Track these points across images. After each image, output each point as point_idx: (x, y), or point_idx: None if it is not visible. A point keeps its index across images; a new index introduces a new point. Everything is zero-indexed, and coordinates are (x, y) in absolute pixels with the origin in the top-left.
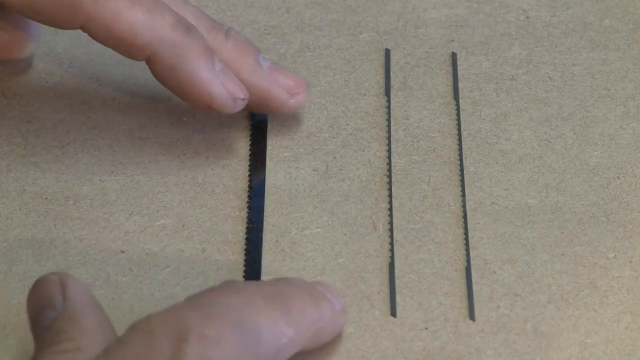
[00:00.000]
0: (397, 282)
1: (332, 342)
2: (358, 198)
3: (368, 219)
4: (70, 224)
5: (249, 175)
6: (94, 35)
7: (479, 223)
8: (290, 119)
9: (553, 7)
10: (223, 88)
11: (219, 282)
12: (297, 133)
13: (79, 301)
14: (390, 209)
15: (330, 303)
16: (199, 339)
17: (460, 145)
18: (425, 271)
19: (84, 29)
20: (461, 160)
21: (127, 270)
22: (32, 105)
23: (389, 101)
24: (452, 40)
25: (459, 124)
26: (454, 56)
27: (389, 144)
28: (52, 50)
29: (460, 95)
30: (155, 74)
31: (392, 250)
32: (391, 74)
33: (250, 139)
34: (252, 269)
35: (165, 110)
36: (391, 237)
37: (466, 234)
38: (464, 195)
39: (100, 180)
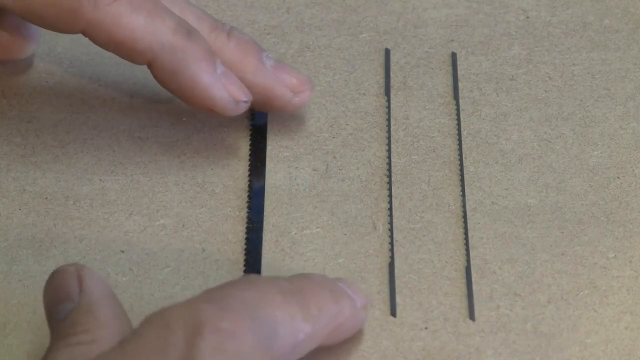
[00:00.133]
0: (397, 282)
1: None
2: (358, 198)
3: (368, 218)
4: (70, 224)
5: (249, 175)
6: (94, 40)
7: (479, 223)
8: (290, 119)
9: (553, 7)
10: (225, 91)
11: (219, 282)
12: (297, 133)
13: (95, 293)
14: (390, 209)
15: (351, 299)
16: (214, 331)
17: (460, 145)
18: (425, 271)
19: (84, 33)
20: (461, 160)
21: (127, 270)
22: (32, 105)
23: (389, 101)
24: (452, 40)
25: (459, 124)
26: (453, 56)
27: (389, 144)
28: (52, 50)
29: (460, 95)
30: (157, 78)
31: (392, 250)
32: (391, 73)
33: (250, 139)
34: (252, 269)
35: (165, 110)
36: (391, 237)
37: (466, 234)
38: (464, 195)
39: (100, 180)
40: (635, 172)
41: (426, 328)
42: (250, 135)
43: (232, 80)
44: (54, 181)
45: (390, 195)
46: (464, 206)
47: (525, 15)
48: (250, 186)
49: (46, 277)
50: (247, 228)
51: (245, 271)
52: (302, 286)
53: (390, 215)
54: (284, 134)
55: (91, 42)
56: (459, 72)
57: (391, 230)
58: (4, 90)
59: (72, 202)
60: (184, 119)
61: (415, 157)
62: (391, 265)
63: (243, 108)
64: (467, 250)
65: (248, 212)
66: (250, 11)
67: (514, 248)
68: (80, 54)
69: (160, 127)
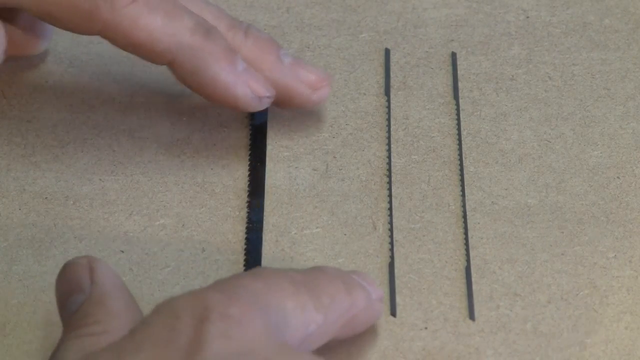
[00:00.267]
0: (397, 282)
1: (331, 342)
2: (358, 198)
3: (368, 218)
4: (70, 224)
5: (249, 175)
6: (112, 42)
7: (478, 223)
8: (290, 119)
9: (553, 7)
10: (247, 88)
11: None
12: (297, 133)
13: (107, 285)
14: (390, 209)
15: (365, 291)
16: (221, 318)
17: (460, 145)
18: (425, 271)
19: (102, 35)
20: (461, 160)
21: (127, 270)
22: (32, 105)
23: (388, 101)
24: (452, 40)
25: (458, 124)
26: (453, 56)
27: (388, 144)
28: (52, 50)
29: (460, 95)
30: (177, 77)
31: (392, 250)
32: (391, 73)
33: (250, 139)
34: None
35: (165, 110)
36: (391, 237)
37: (466, 234)
38: (463, 195)
39: (100, 180)
40: (635, 172)
41: (426, 328)
42: (250, 135)
43: (254, 76)
44: (54, 181)
45: (390, 195)
46: (464, 206)
47: (525, 15)
48: (250, 186)
49: (46, 277)
50: (247, 228)
51: (245, 271)
52: (314, 277)
53: (390, 215)
54: (284, 134)
55: (91, 42)
56: (459, 72)
57: (391, 230)
58: (4, 90)
59: (72, 202)
60: (184, 119)
61: (415, 157)
62: (391, 265)
63: (266, 103)
64: (467, 250)
65: (248, 212)
66: (250, 11)
67: (514, 248)
68: (80, 53)
69: (160, 127)
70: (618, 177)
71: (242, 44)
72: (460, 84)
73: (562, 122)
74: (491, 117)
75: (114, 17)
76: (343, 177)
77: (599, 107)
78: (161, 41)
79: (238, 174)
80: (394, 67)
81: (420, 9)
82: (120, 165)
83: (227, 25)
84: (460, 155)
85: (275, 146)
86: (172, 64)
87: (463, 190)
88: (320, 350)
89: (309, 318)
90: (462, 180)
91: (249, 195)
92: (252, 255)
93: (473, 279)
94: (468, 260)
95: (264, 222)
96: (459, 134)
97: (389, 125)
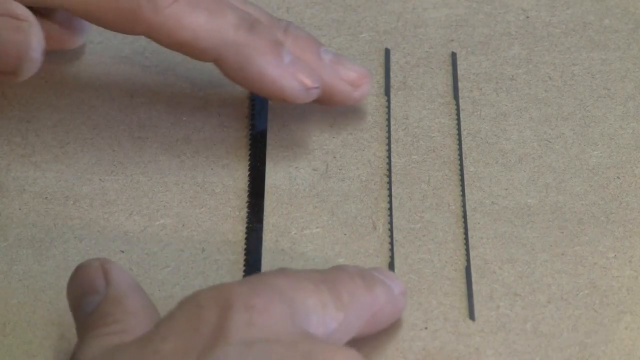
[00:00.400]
0: None
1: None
2: (358, 198)
3: (368, 218)
4: (70, 224)
5: (249, 175)
6: (157, 42)
7: (479, 223)
8: (290, 119)
9: (553, 7)
10: (294, 80)
11: (219, 282)
12: (297, 133)
13: (122, 285)
14: (390, 209)
15: (386, 287)
16: (246, 308)
17: (460, 145)
18: (425, 271)
19: (146, 36)
20: (461, 160)
21: (127, 270)
22: (32, 105)
23: (388, 101)
24: (452, 40)
25: (458, 124)
26: (453, 56)
27: (388, 144)
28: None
29: (460, 95)
30: (224, 73)
31: (392, 250)
32: (391, 73)
33: (250, 139)
34: (252, 269)
35: (165, 110)
36: (391, 237)
37: (466, 233)
38: (463, 195)
39: (100, 180)
40: (635, 172)
41: (426, 328)
42: (250, 135)
43: (301, 68)
44: (54, 181)
45: (390, 195)
46: (464, 206)
47: (525, 15)
48: (250, 186)
49: (46, 277)
50: (247, 228)
51: (245, 271)
52: (334, 276)
53: (390, 215)
54: (284, 134)
55: (90, 42)
56: (459, 72)
57: (391, 230)
58: (4, 90)
59: (72, 202)
60: (184, 119)
61: (415, 157)
62: (391, 265)
63: (314, 94)
64: (467, 250)
65: (248, 212)
66: None
67: (514, 248)
68: (79, 53)
69: (160, 127)
70: (618, 177)
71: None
72: (460, 84)
73: (562, 122)
74: (491, 117)
75: (157, 17)
76: (343, 177)
77: (599, 107)
78: (205, 39)
79: (238, 174)
80: (394, 67)
81: (420, 9)
82: (120, 165)
83: (266, 23)
84: (460, 155)
85: (275, 146)
86: (217, 61)
87: (463, 190)
88: None
89: (329, 316)
90: (462, 180)
91: (249, 195)
92: (252, 255)
93: (473, 279)
94: (468, 260)
95: (264, 222)
96: (459, 134)
97: (389, 125)
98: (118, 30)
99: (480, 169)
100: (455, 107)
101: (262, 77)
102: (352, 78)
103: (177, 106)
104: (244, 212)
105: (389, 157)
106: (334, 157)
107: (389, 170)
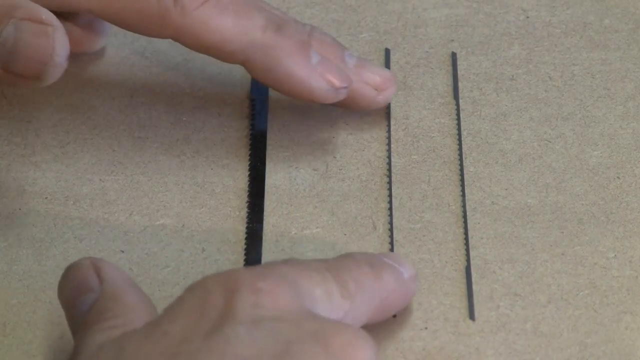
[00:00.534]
0: None
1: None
2: (358, 198)
3: (368, 218)
4: (70, 224)
5: (249, 175)
6: (184, 44)
7: (479, 223)
8: (290, 119)
9: (553, 7)
10: (322, 81)
11: None
12: (297, 133)
13: (117, 281)
14: (390, 209)
15: (395, 272)
16: (252, 291)
17: (460, 145)
18: (425, 271)
19: (174, 39)
20: (461, 160)
21: (127, 270)
22: (32, 105)
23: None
24: (452, 40)
25: (459, 124)
26: (453, 56)
27: (388, 144)
28: None
29: (460, 95)
30: (253, 75)
31: (392, 250)
32: None
33: (251, 139)
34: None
35: (165, 110)
36: (391, 237)
37: (466, 233)
38: (463, 195)
39: (100, 180)
40: (635, 172)
41: (426, 328)
42: (251, 135)
43: (329, 68)
44: (54, 181)
45: (390, 195)
46: (464, 206)
47: (525, 15)
48: (250, 186)
49: (46, 277)
50: (247, 228)
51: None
52: (340, 264)
53: (390, 215)
54: (284, 134)
55: None
56: (459, 72)
57: (391, 230)
58: (4, 90)
59: (72, 202)
60: (184, 119)
61: (415, 157)
62: None
63: (343, 94)
64: (467, 250)
65: (248, 212)
66: None
67: (514, 248)
68: (79, 54)
69: (160, 127)
70: (618, 177)
71: None
72: (460, 84)
73: (562, 122)
74: (491, 117)
75: (184, 20)
76: (343, 177)
77: (599, 107)
78: (233, 41)
79: (238, 174)
80: (394, 67)
81: (420, 9)
82: (120, 165)
83: (292, 25)
84: (460, 155)
85: (275, 146)
86: (245, 63)
87: (463, 190)
88: None
89: (335, 305)
90: (462, 180)
91: (249, 195)
92: (252, 255)
93: (473, 279)
94: (468, 260)
95: (264, 222)
96: (459, 134)
97: (389, 125)
98: (144, 34)
99: (480, 169)
100: (455, 107)
101: (291, 78)
102: (377, 82)
103: (177, 106)
104: (244, 212)
105: (389, 157)
106: (334, 157)
107: (389, 170)
